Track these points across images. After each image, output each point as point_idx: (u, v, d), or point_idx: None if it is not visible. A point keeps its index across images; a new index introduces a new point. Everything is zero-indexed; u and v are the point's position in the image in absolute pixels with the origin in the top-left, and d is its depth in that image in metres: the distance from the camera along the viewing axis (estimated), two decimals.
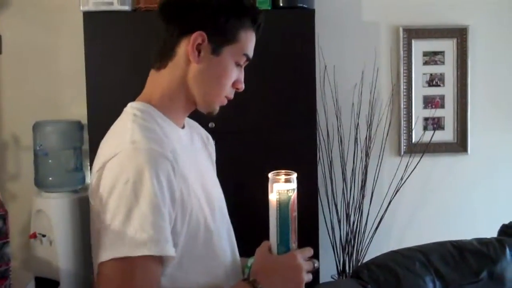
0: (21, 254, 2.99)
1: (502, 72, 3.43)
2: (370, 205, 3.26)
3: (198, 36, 1.35)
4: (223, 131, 2.38)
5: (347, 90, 3.27)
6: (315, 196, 2.97)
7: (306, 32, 2.85)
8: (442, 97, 3.39)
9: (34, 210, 2.82)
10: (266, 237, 1.39)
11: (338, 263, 3.20)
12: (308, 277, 1.37)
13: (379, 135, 3.31)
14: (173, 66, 1.39)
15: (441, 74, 3.38)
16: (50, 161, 2.82)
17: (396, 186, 3.27)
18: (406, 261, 2.15)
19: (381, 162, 3.31)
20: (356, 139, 3.25)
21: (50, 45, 3.17)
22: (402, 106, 3.36)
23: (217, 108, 1.44)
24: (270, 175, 1.35)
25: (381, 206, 3.27)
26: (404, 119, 3.37)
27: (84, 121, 2.82)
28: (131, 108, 1.38)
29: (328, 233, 3.20)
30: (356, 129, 3.25)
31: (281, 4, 2.86)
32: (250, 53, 1.44)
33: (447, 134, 3.40)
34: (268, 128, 2.87)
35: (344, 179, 3.23)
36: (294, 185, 1.35)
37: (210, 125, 2.49)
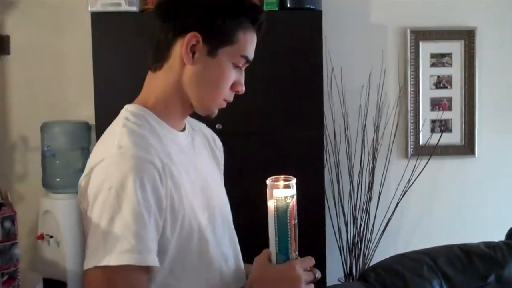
0: (29, 255, 2.99)
1: (510, 74, 3.42)
2: (377, 208, 3.25)
3: (192, 37, 1.29)
4: (230, 132, 2.38)
5: (354, 92, 3.26)
6: (322, 198, 2.97)
7: (314, 33, 2.85)
8: (449, 99, 3.38)
9: (42, 211, 2.83)
10: None
11: (345, 266, 3.19)
12: None
13: (386, 137, 3.30)
14: (168, 68, 1.33)
15: (448, 76, 3.37)
16: (57, 162, 2.83)
17: (403, 189, 3.26)
18: (413, 265, 2.14)
19: (388, 165, 3.30)
20: (363, 141, 3.25)
21: (58, 46, 3.18)
22: (409, 108, 3.35)
23: (215, 111, 1.38)
24: (268, 180, 1.30)
25: (388, 208, 3.26)
26: (412, 121, 3.36)
27: (92, 122, 2.83)
28: (125, 111, 1.35)
29: (335, 236, 3.19)
30: (363, 131, 3.25)
31: (288, 5, 2.86)
32: (250, 54, 1.36)
33: (454, 137, 3.39)
34: (275, 130, 2.87)
35: (351, 181, 3.22)
36: (293, 191, 1.29)
37: (217, 126, 2.49)
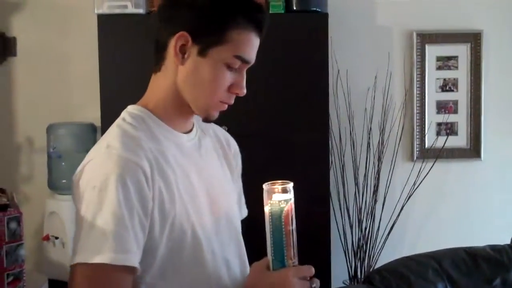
0: (34, 256, 3.00)
1: None
2: (382, 211, 3.24)
3: (180, 37, 1.28)
4: (236, 134, 2.37)
5: (360, 95, 3.26)
6: (327, 200, 2.97)
7: (320, 36, 2.85)
8: (455, 102, 3.37)
9: (47, 212, 2.83)
10: None
11: (350, 268, 3.19)
12: None
13: (392, 140, 3.29)
14: (165, 69, 1.33)
15: (454, 79, 3.36)
16: (63, 163, 2.84)
17: (409, 192, 3.26)
18: (418, 267, 2.13)
19: (393, 167, 3.29)
20: (368, 143, 3.24)
21: (64, 47, 3.18)
22: (415, 111, 3.35)
23: (213, 114, 1.34)
24: (264, 185, 1.26)
25: (394, 211, 3.26)
26: (417, 124, 3.35)
27: (98, 123, 2.83)
28: (125, 112, 1.36)
29: (340, 238, 3.19)
30: (369, 133, 3.24)
31: (294, 8, 2.86)
32: (247, 55, 1.30)
33: (460, 140, 3.38)
34: (281, 132, 2.87)
35: (356, 184, 3.22)
36: (288, 195, 1.24)
37: (223, 127, 2.49)
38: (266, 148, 2.85)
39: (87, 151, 3.03)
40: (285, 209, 1.23)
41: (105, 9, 2.76)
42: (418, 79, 3.34)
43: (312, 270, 1.28)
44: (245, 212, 1.60)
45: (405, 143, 3.36)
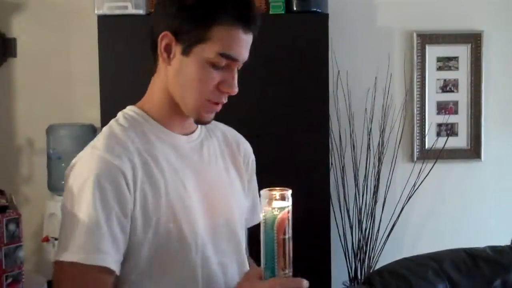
0: (34, 258, 3.00)
1: None
2: (382, 212, 3.24)
3: (164, 37, 1.27)
4: None
5: (360, 95, 3.26)
6: (327, 201, 2.96)
7: (320, 36, 2.85)
8: (455, 103, 3.37)
9: (47, 213, 2.83)
10: None
11: (350, 269, 3.19)
12: None
13: (392, 141, 3.29)
14: (158, 70, 1.34)
15: (455, 80, 3.36)
16: (63, 164, 2.83)
17: (409, 193, 3.25)
18: (418, 268, 2.13)
19: (393, 168, 3.29)
20: (368, 144, 3.24)
21: (64, 48, 3.18)
22: (415, 112, 3.35)
23: (204, 115, 1.31)
24: (262, 191, 1.21)
25: (394, 212, 3.26)
26: (418, 125, 3.35)
27: (98, 124, 2.83)
28: (120, 113, 1.37)
29: (340, 239, 3.18)
30: (369, 134, 3.24)
31: (294, 9, 2.86)
32: (233, 53, 1.26)
33: (460, 141, 3.38)
34: (281, 133, 2.87)
35: (356, 185, 3.22)
36: (285, 203, 1.18)
37: None
38: (266, 149, 2.84)
39: None
40: (278, 217, 1.17)
41: (105, 10, 2.76)
42: (418, 80, 3.34)
43: (304, 283, 1.20)
44: (258, 219, 1.56)
45: (405, 144, 3.36)
